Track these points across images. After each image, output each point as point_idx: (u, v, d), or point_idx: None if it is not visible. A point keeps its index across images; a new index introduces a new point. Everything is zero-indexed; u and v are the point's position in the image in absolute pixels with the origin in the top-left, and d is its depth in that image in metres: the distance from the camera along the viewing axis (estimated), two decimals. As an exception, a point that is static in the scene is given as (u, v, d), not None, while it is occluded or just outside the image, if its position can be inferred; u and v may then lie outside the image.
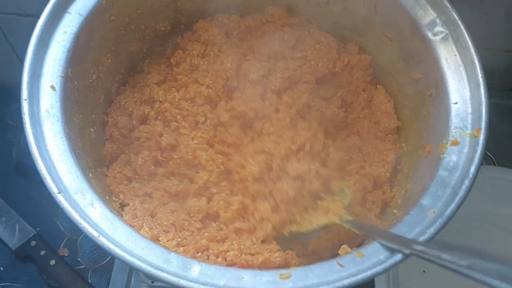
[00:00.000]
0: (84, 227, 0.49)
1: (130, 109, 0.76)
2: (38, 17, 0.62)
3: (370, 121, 0.82)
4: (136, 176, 0.74)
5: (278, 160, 0.71)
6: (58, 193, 0.51)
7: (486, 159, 0.96)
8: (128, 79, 0.82)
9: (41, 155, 0.52)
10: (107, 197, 0.66)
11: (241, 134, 0.75)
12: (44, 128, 0.56)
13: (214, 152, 0.74)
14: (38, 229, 0.99)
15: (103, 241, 0.49)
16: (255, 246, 0.67)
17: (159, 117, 0.77)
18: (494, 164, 0.95)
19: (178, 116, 0.76)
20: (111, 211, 0.53)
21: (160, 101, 0.78)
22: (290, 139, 0.73)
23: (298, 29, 0.85)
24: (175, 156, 0.73)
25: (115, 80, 0.79)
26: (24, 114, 0.55)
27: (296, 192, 0.68)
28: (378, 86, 0.82)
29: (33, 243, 0.97)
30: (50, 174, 0.52)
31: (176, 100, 0.77)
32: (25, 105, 0.55)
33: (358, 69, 0.83)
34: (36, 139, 0.53)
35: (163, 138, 0.74)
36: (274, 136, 0.74)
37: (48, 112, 0.57)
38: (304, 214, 0.68)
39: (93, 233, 0.49)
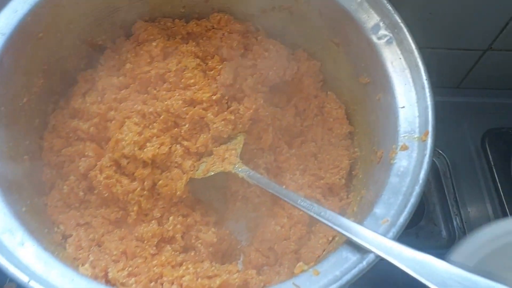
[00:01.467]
0: (12, 272, 0.44)
1: (60, 128, 0.71)
2: None
3: (324, 127, 0.80)
4: (77, 204, 0.69)
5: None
6: (-20, 236, 0.46)
7: (439, 157, 0.97)
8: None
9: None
10: (46, 230, 0.61)
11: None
12: (-35, 163, 0.51)
13: (129, 182, 0.67)
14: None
15: (34, 285, 0.44)
16: (213, 268, 0.64)
17: (76, 136, 0.71)
18: (447, 162, 0.96)
19: (91, 128, 0.70)
20: (45, 249, 0.49)
21: (79, 113, 0.72)
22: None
23: (246, 37, 0.83)
24: (95, 191, 0.69)
25: (51, 101, 0.73)
26: None
27: None
28: (328, 93, 0.81)
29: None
30: (-28, 215, 0.46)
31: (87, 105, 0.71)
32: None
33: (308, 76, 0.81)
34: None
35: (80, 163, 0.69)
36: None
37: (-33, 144, 0.52)
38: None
39: (22, 277, 0.44)
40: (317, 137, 0.80)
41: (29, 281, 0.44)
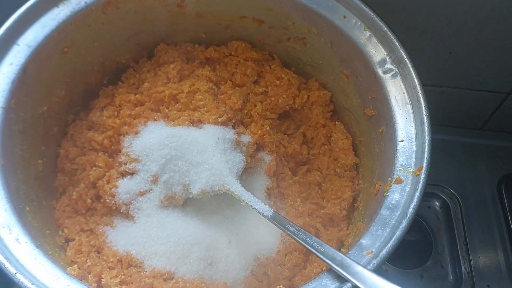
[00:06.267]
0: (2, 263, 0.47)
1: (76, 138, 0.75)
2: None
3: (330, 157, 0.81)
4: (83, 211, 0.72)
5: None
6: (-22, 228, 0.49)
7: (451, 198, 0.94)
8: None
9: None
10: (48, 231, 0.64)
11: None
12: (-24, 159, 0.55)
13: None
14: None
15: (20, 278, 0.47)
16: (203, 285, 0.65)
17: (90, 146, 0.75)
18: (459, 203, 0.93)
19: (105, 141, 0.74)
20: (37, 247, 0.51)
21: (96, 125, 0.76)
22: None
23: (261, 65, 0.85)
24: (101, 200, 0.72)
25: (71, 112, 0.78)
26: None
27: None
28: (337, 123, 0.82)
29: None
30: (-26, 208, 0.50)
31: (104, 118, 0.75)
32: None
33: (317, 105, 0.83)
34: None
35: (90, 172, 0.72)
36: None
37: (-17, 143, 0.56)
38: None
39: (10, 269, 0.47)
40: (322, 167, 0.81)
41: (15, 273, 0.46)
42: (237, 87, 0.81)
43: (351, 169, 0.79)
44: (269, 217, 0.61)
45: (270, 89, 0.82)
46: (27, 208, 0.59)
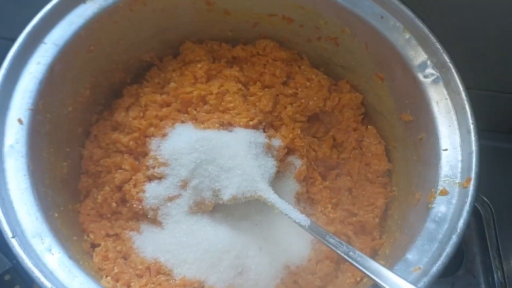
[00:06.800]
0: (37, 276, 0.45)
1: (100, 139, 0.73)
2: (9, 40, 0.60)
3: (361, 162, 0.78)
4: (108, 215, 0.70)
5: None
6: (12, 237, 0.47)
7: (482, 205, 0.91)
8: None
9: (-1, 196, 0.49)
10: (75, 237, 0.62)
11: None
12: (6, 164, 0.53)
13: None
14: (14, 261, 0.94)
15: (55, 293, 0.44)
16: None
17: (115, 148, 0.72)
18: (491, 210, 0.90)
19: (131, 142, 0.71)
20: (70, 258, 0.49)
21: (121, 126, 0.74)
22: None
23: (290, 65, 0.83)
24: (127, 204, 0.69)
25: (95, 111, 0.76)
26: (-14, 150, 0.52)
27: None
28: (369, 126, 0.79)
29: (7, 277, 0.92)
30: (6, 216, 0.48)
31: (130, 119, 0.72)
32: (-13, 141, 0.52)
33: (349, 108, 0.80)
34: (-5, 178, 0.50)
35: (116, 176, 0.70)
36: None
37: (12, 147, 0.54)
38: None
39: (46, 283, 0.45)
40: (353, 171, 0.78)
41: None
42: (266, 88, 0.78)
43: (383, 175, 0.76)
44: (307, 227, 0.59)
45: (300, 91, 0.79)
46: (56, 215, 0.57)
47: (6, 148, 0.54)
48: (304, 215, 0.61)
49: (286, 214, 0.61)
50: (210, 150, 0.67)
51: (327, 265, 0.69)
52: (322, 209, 0.74)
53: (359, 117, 0.81)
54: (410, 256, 0.51)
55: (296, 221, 0.60)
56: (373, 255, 0.69)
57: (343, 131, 0.81)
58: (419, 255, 0.51)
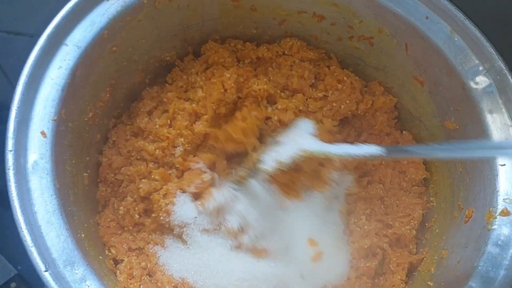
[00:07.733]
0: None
1: (120, 145, 0.68)
2: (29, 36, 0.54)
3: (394, 169, 0.74)
4: (130, 227, 0.65)
5: None
6: (45, 271, 0.42)
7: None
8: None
9: (26, 221, 0.44)
10: (100, 257, 0.57)
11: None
12: (31, 184, 0.48)
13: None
14: (19, 267, 0.89)
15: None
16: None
17: (139, 156, 0.68)
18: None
19: (157, 151, 0.67)
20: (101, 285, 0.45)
21: (143, 132, 0.69)
22: None
23: (317, 65, 0.78)
24: (152, 215, 0.65)
25: (113, 115, 0.70)
26: (9, 168, 0.46)
27: None
28: (404, 132, 0.75)
29: (13, 284, 0.88)
30: (36, 246, 0.43)
31: (156, 127, 0.68)
32: (9, 158, 0.47)
33: (382, 111, 0.76)
34: (21, 200, 0.45)
35: (140, 186, 0.65)
36: None
37: (36, 163, 0.49)
38: None
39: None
40: (385, 179, 0.74)
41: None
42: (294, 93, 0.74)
43: (419, 184, 0.73)
44: (386, 155, 0.55)
45: (330, 94, 0.75)
46: (83, 235, 0.53)
47: (30, 165, 0.49)
48: (373, 145, 0.57)
49: (353, 154, 0.58)
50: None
51: (365, 281, 0.65)
52: (355, 220, 0.71)
53: (392, 121, 0.77)
54: (474, 284, 0.48)
55: (367, 155, 0.56)
56: (412, 270, 0.66)
57: (375, 136, 0.77)
58: (483, 283, 0.48)
